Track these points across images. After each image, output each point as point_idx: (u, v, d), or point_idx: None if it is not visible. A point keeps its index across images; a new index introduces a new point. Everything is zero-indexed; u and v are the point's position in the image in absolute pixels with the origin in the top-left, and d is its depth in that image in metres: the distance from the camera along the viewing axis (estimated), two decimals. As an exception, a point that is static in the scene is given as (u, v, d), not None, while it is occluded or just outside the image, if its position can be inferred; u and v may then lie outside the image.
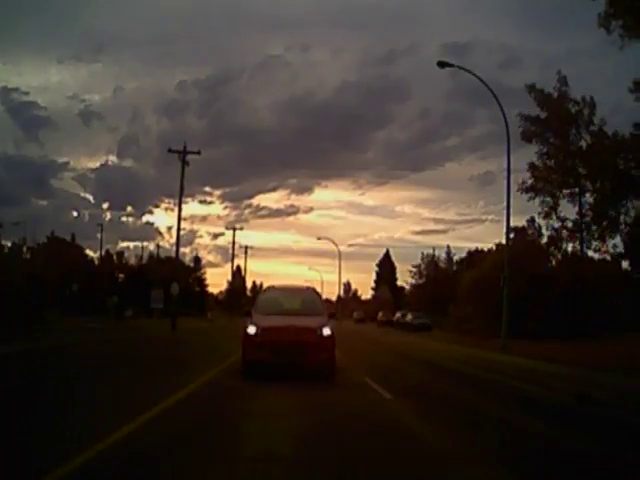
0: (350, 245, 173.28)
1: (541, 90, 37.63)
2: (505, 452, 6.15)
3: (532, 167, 38.31)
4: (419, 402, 9.55)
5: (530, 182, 38.15)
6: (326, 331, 11.65)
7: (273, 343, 11.16)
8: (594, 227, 37.49)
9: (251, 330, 11.49)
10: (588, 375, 13.91)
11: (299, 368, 11.21)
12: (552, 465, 5.73)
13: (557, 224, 38.76)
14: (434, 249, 76.27)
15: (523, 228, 41.69)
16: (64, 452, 5.17)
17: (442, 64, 24.97)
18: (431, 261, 74.14)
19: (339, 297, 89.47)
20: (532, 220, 41.06)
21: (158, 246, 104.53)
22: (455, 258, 72.80)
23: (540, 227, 40.47)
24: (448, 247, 76.10)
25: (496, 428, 7.53)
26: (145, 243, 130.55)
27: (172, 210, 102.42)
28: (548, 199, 38.36)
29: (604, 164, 34.34)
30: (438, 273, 70.34)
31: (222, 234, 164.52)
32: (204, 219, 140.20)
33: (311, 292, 14.49)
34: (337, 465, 5.27)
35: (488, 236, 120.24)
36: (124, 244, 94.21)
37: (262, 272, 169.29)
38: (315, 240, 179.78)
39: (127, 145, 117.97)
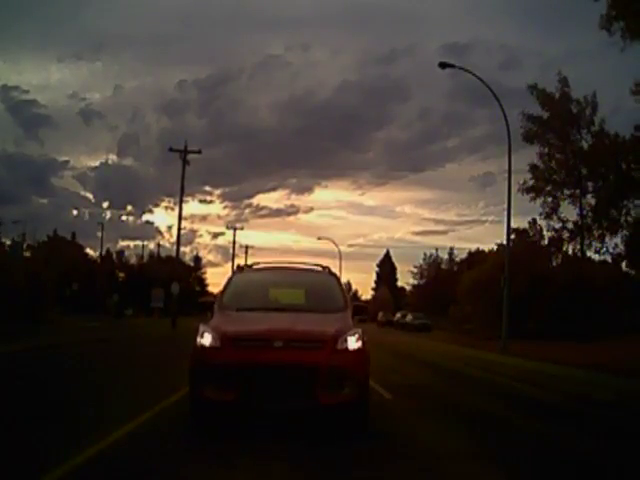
0: (350, 245, 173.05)
1: (543, 90, 37.67)
2: (504, 451, 6.17)
3: (533, 168, 38.37)
4: (419, 402, 9.56)
5: (531, 182, 38.25)
6: (352, 342, 6.29)
7: (246, 367, 5.90)
8: (594, 228, 37.56)
9: (205, 340, 6.25)
10: (588, 376, 13.92)
11: (298, 415, 6.34)
12: (551, 464, 5.75)
13: (558, 225, 38.87)
14: (437, 250, 76.63)
15: (524, 229, 41.78)
16: None
17: (444, 65, 24.98)
18: (433, 262, 74.34)
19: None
20: (534, 221, 41.16)
21: (159, 245, 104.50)
22: (455, 259, 73.11)
23: (541, 228, 40.58)
24: (451, 248, 76.54)
25: (495, 428, 7.54)
26: (145, 242, 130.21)
27: (172, 209, 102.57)
28: (549, 200, 38.45)
29: (605, 165, 34.39)
30: (439, 274, 70.44)
31: (222, 234, 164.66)
32: (204, 218, 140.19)
33: (324, 275, 8.45)
34: (337, 463, 5.28)
35: (488, 237, 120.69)
36: (124, 243, 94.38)
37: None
38: (315, 240, 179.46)
39: (127, 144, 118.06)
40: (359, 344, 6.39)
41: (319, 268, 8.75)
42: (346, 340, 6.32)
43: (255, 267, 8.96)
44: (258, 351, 6.04)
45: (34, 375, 11.27)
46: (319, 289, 8.06)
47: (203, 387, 6.11)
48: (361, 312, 8.09)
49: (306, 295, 8.06)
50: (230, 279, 8.30)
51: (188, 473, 4.86)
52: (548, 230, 39.69)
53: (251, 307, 7.26)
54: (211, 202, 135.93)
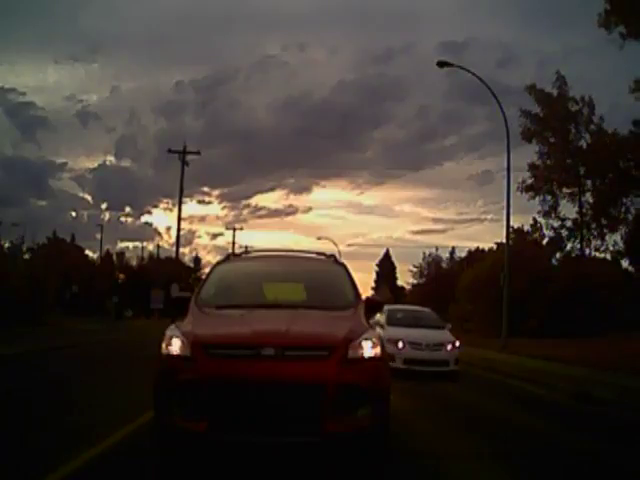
0: (349, 245, 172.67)
1: (541, 90, 37.75)
2: (505, 450, 6.17)
3: (532, 167, 38.44)
4: (420, 401, 9.56)
5: (530, 181, 38.33)
6: (368, 348, 4.91)
7: (224, 385, 4.52)
8: (594, 226, 37.61)
9: (172, 348, 4.87)
10: (588, 374, 13.90)
11: (293, 454, 4.66)
12: (552, 462, 5.74)
13: (557, 223, 38.94)
14: (437, 248, 76.75)
15: (524, 229, 41.79)
16: None
17: (442, 64, 24.95)
18: (432, 260, 74.41)
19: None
20: (535, 221, 41.16)
21: (158, 246, 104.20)
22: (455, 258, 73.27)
23: (541, 226, 40.59)
24: (452, 248, 76.74)
25: (496, 426, 7.54)
26: (144, 243, 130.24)
27: (171, 210, 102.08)
28: (548, 198, 38.51)
29: (604, 163, 34.40)
30: (439, 272, 70.48)
31: (221, 234, 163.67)
32: (203, 219, 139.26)
33: (330, 264, 7.03)
34: (337, 464, 5.25)
35: (487, 235, 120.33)
36: (123, 244, 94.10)
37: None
38: (315, 240, 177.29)
39: (125, 145, 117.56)
40: (377, 351, 4.94)
41: (323, 257, 7.24)
42: (360, 346, 4.85)
43: (245, 255, 7.86)
44: (241, 362, 4.60)
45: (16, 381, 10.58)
46: (323, 281, 6.51)
47: (169, 411, 4.66)
48: (376, 309, 6.54)
49: (307, 289, 6.39)
50: (212, 270, 6.81)
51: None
52: (547, 228, 39.81)
53: (235, 304, 5.72)
54: (209, 203, 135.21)
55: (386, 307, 14.70)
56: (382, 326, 13.81)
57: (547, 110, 37.53)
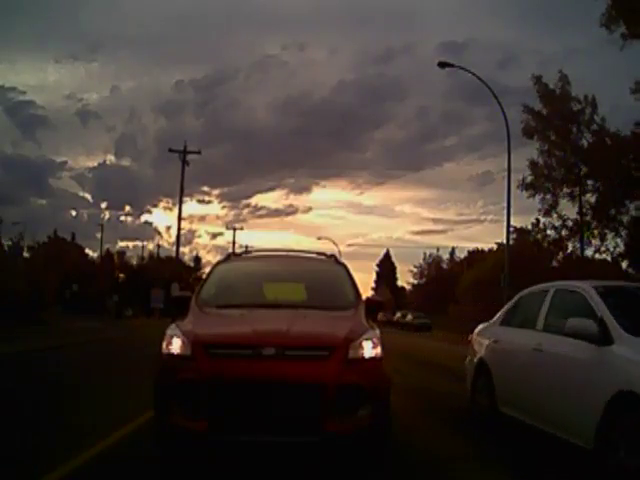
0: (349, 245, 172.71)
1: (546, 84, 37.67)
2: (505, 450, 6.15)
3: (532, 164, 38.38)
4: (420, 401, 9.54)
5: (530, 179, 38.27)
6: (368, 348, 4.90)
7: (223, 384, 4.52)
8: (594, 227, 37.55)
9: (173, 347, 4.88)
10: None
11: (293, 453, 4.81)
12: (551, 463, 5.72)
13: (557, 222, 38.88)
14: (438, 249, 77.02)
15: (526, 229, 41.67)
16: None
17: (443, 64, 24.92)
18: (433, 261, 74.58)
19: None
20: (537, 221, 41.05)
21: (158, 246, 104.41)
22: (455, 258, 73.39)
23: (545, 227, 40.40)
24: (452, 248, 76.91)
25: (495, 430, 7.51)
26: (144, 242, 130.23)
27: (171, 210, 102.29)
28: (548, 197, 38.44)
29: (607, 163, 34.33)
30: (439, 273, 70.57)
31: (221, 234, 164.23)
32: (202, 219, 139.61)
33: (330, 264, 6.99)
34: (337, 464, 5.24)
35: (487, 236, 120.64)
36: (123, 244, 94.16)
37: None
38: (315, 240, 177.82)
39: (125, 144, 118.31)
40: (377, 351, 4.93)
41: (323, 257, 7.24)
42: (361, 346, 4.85)
43: (245, 255, 7.86)
44: (241, 362, 4.60)
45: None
46: (324, 281, 6.50)
47: (169, 410, 4.67)
48: (376, 309, 6.34)
49: (307, 289, 6.37)
50: (212, 270, 6.82)
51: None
52: (547, 227, 39.73)
53: (236, 304, 5.71)
54: (209, 202, 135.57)
55: (584, 285, 5.93)
56: (597, 337, 5.08)
57: (549, 108, 37.49)
